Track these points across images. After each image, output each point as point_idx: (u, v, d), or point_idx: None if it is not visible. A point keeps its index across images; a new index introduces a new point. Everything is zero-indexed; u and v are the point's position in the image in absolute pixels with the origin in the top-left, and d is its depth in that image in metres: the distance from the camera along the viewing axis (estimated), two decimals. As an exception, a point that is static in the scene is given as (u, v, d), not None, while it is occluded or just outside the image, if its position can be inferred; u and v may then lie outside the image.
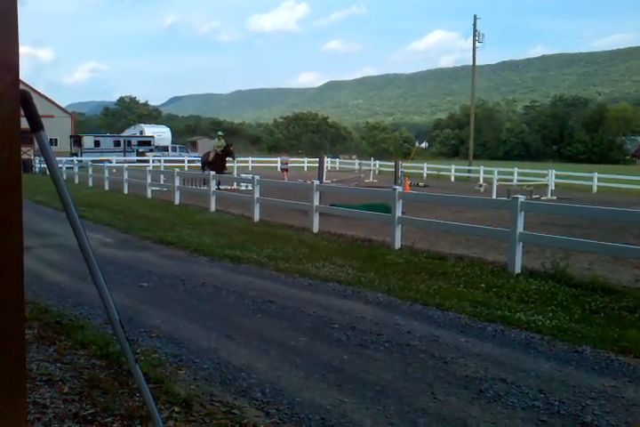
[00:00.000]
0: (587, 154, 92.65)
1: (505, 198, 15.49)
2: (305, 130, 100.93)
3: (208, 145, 71.89)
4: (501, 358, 4.95)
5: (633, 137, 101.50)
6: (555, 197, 24.45)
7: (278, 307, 6.46)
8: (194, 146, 69.09)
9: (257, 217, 13.98)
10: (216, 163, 23.55)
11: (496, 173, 28.18)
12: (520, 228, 8.47)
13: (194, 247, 10.14)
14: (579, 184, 31.90)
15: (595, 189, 30.64)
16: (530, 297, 6.94)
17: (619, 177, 32.79)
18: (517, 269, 8.36)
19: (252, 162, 46.39)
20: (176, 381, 4.28)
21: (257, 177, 14.86)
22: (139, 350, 4.84)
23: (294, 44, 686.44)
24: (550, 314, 6.22)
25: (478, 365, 4.77)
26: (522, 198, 8.73)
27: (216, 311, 6.30)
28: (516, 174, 33.25)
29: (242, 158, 44.79)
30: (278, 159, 41.68)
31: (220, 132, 26.17)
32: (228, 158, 24.53)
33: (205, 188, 17.37)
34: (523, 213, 8.55)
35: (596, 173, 31.61)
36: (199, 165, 44.19)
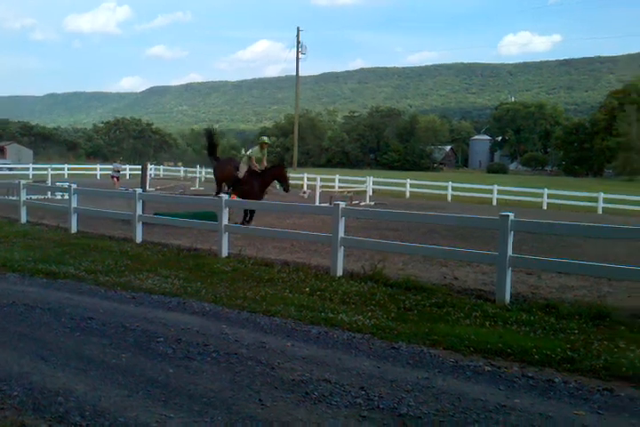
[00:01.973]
0: (400, 162, 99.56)
1: (327, 205, 16.11)
2: (127, 136, 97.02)
3: (16, 151, 66.24)
4: (325, 360, 5.13)
5: (440, 146, 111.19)
6: (372, 203, 25.92)
7: (98, 323, 6.13)
8: (1, 152, 63.38)
9: (74, 228, 13.14)
10: (250, 184, 14.88)
11: (319, 180, 29.23)
12: (341, 232, 8.87)
13: (1, 263, 9.28)
14: (394, 190, 34.16)
15: (408, 194, 33.01)
16: (351, 298, 7.28)
17: (428, 183, 35.67)
18: (339, 272, 8.74)
19: (69, 169, 43.43)
20: (-20, 412, 3.88)
21: (74, 185, 13.98)
22: None
23: (115, 46, 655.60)
24: (370, 314, 6.58)
25: (304, 368, 4.91)
26: (342, 205, 9.15)
27: (28, 332, 5.81)
28: (337, 181, 34.75)
29: (57, 165, 41.89)
30: (111, 166, 39.51)
31: (265, 139, 16.27)
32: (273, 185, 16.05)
33: (14, 197, 15.97)
34: (343, 218, 8.96)
35: (409, 180, 34.12)
36: (8, 173, 40.33)
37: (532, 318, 6.49)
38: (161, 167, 52.79)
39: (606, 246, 12.23)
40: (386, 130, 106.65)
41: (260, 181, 14.99)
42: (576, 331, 6.01)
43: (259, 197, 14.85)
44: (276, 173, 15.13)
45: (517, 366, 5.06)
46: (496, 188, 30.86)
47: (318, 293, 7.56)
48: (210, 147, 16.56)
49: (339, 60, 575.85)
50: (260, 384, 4.53)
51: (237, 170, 15.11)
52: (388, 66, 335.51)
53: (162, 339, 5.62)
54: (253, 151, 15.52)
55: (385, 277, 8.39)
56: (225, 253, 10.27)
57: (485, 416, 4.03)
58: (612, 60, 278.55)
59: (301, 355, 5.24)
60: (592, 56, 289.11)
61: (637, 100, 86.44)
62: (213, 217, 11.41)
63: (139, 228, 11.90)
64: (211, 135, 16.83)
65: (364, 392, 4.41)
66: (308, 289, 7.76)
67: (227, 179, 15.40)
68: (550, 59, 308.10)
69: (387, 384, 4.59)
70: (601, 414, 4.13)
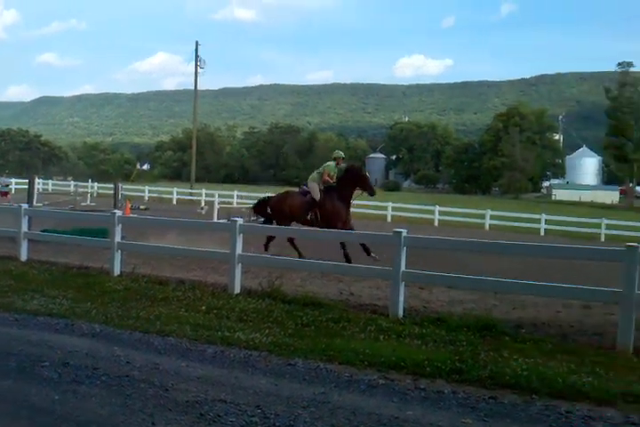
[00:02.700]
0: (299, 178, 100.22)
1: (225, 221, 15.97)
2: (13, 147, 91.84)
3: None
4: (221, 379, 5.06)
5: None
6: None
7: (-24, 348, 5.72)
8: None
9: (-50, 246, 12.22)
10: (332, 203, 12.51)
11: (217, 195, 28.96)
12: (239, 249, 8.81)
13: None
14: (293, 206, 34.36)
15: (307, 210, 33.35)
16: (248, 316, 7.23)
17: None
18: (237, 290, 8.67)
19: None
20: None
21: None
22: None
23: (1, 52, 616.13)
24: (267, 331, 6.56)
25: (199, 388, 4.80)
26: (240, 221, 9.11)
27: None
28: (235, 197, 34.59)
29: None
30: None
31: (341, 153, 13.67)
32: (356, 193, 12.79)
33: None
34: (242, 235, 8.92)
35: (308, 197, 34.48)
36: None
37: (423, 331, 6.72)
38: (50, 181, 50.33)
39: (494, 261, 12.84)
40: (285, 146, 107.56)
41: (341, 194, 12.59)
42: (464, 343, 6.28)
43: (347, 213, 12.70)
44: (354, 177, 12.66)
45: (410, 379, 5.21)
46: (390, 205, 31.83)
47: (215, 311, 7.45)
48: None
49: (238, 75, 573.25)
50: (153, 407, 4.39)
51: (306, 195, 12.85)
52: (288, 83, 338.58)
53: (47, 363, 5.32)
54: (329, 166, 13.06)
55: (283, 293, 8.41)
56: (117, 271, 9.92)
57: (379, 429, 4.12)
58: (497, 85, 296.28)
59: (196, 375, 5.13)
60: (480, 80, 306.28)
61: (519, 123, 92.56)
62: (105, 234, 11.00)
63: (24, 245, 11.26)
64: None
65: (260, 411, 4.37)
66: (204, 307, 7.62)
67: (298, 210, 12.73)
68: (441, 81, 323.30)
69: (283, 401, 4.59)
70: (486, 422, 4.32)
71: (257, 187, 68.39)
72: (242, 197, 35.08)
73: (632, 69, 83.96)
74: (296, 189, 14.33)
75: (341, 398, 4.70)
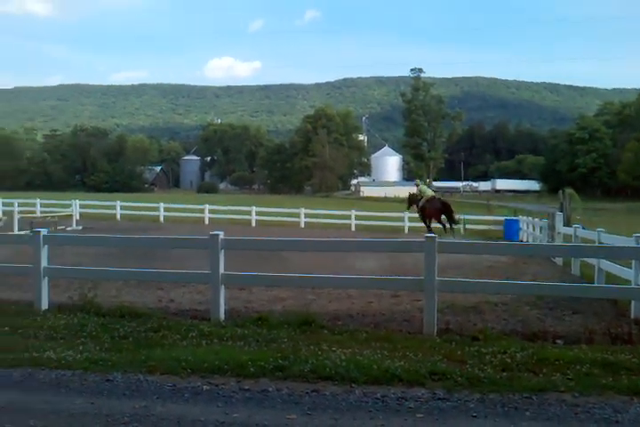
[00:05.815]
0: (109, 183, 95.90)
1: (27, 232, 14.71)
2: None
3: None
4: (30, 405, 4.65)
5: (150, 167, 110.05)
6: (80, 227, 24.47)
7: None
8: None
9: None
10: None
11: (17, 204, 26.60)
12: (44, 262, 8.16)
13: None
14: (104, 213, 32.72)
15: (119, 217, 31.90)
16: (59, 333, 6.74)
17: (139, 205, 34.98)
18: (45, 306, 8.05)
19: None
20: None
21: None
22: None
23: None
24: (81, 347, 6.15)
25: (2, 419, 4.36)
26: (44, 232, 8.45)
27: None
28: (39, 205, 32.09)
29: None
30: None
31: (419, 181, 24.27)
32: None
33: None
34: (46, 246, 8.27)
35: (119, 202, 33.01)
36: None
37: (245, 331, 6.74)
38: None
39: (309, 257, 13.24)
40: (91, 150, 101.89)
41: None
42: (286, 339, 6.41)
43: None
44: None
45: (234, 381, 5.20)
46: (207, 207, 31.55)
47: (20, 331, 6.83)
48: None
49: (34, 74, 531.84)
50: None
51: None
52: (92, 83, 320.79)
53: None
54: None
55: (97, 306, 7.95)
56: None
57: (205, 436, 4.06)
58: (305, 88, 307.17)
59: None
60: (287, 83, 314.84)
61: (327, 125, 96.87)
62: None
63: None
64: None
65: (74, 434, 4.10)
66: (7, 328, 6.95)
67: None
68: (251, 84, 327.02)
69: (102, 420, 4.34)
70: (310, 415, 4.46)
71: (62, 193, 63.95)
72: (46, 206, 32.58)
73: (423, 75, 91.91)
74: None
75: (165, 409, 4.56)
